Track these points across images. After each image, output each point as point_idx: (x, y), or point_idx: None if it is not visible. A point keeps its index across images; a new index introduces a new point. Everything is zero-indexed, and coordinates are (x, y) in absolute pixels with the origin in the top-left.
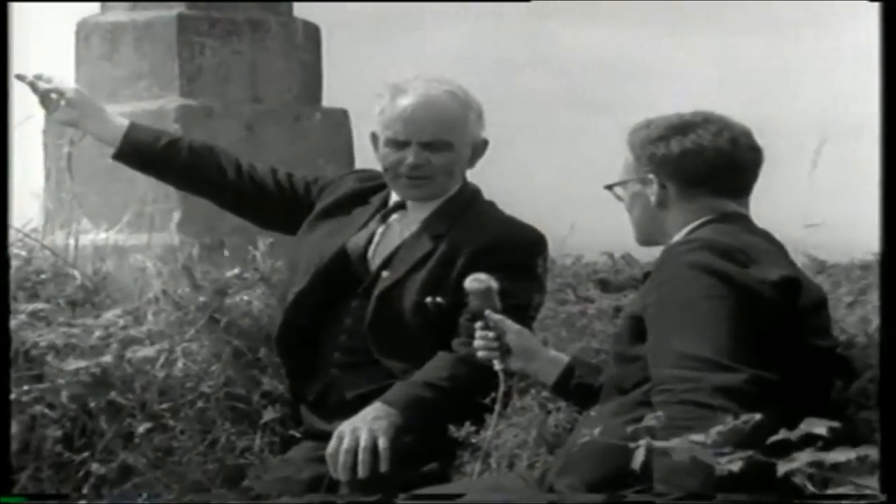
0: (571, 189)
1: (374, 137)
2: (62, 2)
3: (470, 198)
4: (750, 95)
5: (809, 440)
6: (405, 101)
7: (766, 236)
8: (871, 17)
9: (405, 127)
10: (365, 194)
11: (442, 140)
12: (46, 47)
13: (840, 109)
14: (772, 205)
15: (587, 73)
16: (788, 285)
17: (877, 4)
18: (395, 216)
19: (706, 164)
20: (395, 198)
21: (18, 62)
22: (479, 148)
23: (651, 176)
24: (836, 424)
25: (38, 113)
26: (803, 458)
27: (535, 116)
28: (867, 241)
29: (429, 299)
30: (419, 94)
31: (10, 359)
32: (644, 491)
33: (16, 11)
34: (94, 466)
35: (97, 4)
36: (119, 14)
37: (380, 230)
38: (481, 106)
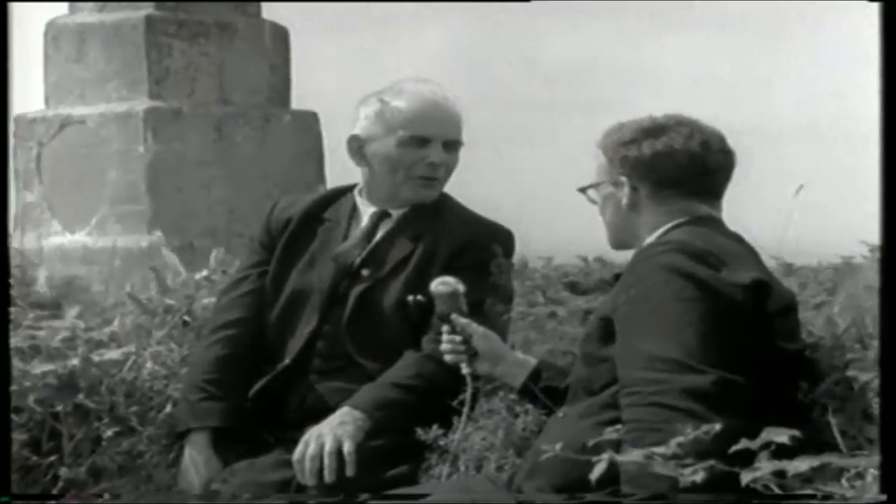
0: (545, 191)
1: (356, 140)
2: (31, 2)
3: (440, 198)
4: (727, 96)
5: (773, 446)
6: (417, 102)
7: (738, 239)
8: (852, 18)
9: (428, 125)
10: (314, 213)
11: (458, 140)
12: (13, 49)
13: (812, 111)
14: (742, 207)
15: (563, 74)
16: (759, 289)
17: (876, 5)
18: (381, 224)
19: (678, 167)
20: (364, 207)
21: None
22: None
23: (623, 178)
24: (796, 433)
25: None
26: (766, 466)
27: (511, 117)
28: (837, 243)
29: (410, 298)
30: (429, 94)
31: (10, 358)
32: (612, 493)
33: None
34: (63, 471)
35: (65, 5)
36: (87, 15)
37: (375, 240)
38: None
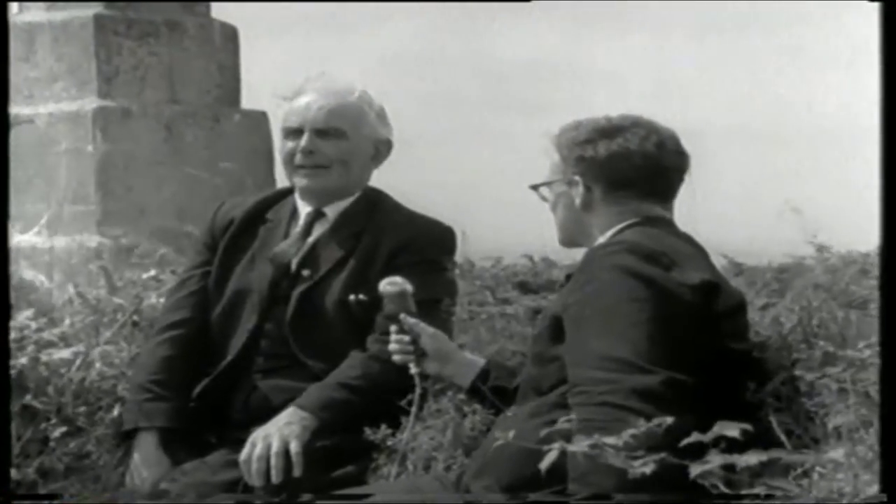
0: (494, 189)
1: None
2: None
3: (377, 197)
4: (681, 98)
5: (723, 442)
6: (304, 97)
7: (689, 240)
8: (809, 21)
9: (298, 115)
10: (257, 214)
11: (334, 127)
12: None
13: (766, 112)
14: (694, 206)
15: (517, 74)
16: (708, 289)
17: (876, 4)
18: (316, 224)
19: (632, 168)
20: (302, 208)
21: None
22: (383, 147)
23: (577, 178)
24: (748, 427)
25: None
26: (716, 460)
27: (463, 117)
28: (786, 243)
29: (352, 297)
30: (316, 88)
31: (10, 358)
32: (559, 492)
33: None
34: (13, 472)
35: (14, 4)
36: (35, 14)
37: (309, 241)
38: (383, 107)
